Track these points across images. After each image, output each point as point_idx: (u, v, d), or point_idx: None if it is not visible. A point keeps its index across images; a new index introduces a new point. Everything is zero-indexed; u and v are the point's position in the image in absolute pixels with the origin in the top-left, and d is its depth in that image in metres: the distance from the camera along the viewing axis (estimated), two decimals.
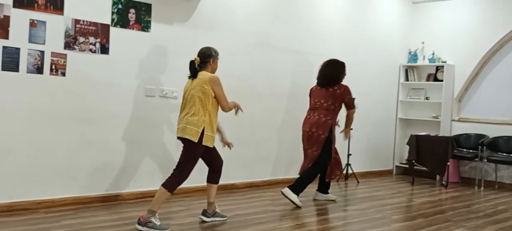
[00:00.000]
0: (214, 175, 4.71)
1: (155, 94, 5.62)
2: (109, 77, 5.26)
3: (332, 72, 5.82)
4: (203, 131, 4.37)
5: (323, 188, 6.04)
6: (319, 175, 5.98)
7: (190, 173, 4.43)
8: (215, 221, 4.70)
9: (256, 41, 6.60)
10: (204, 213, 4.73)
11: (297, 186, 5.64)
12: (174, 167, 4.45)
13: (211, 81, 4.42)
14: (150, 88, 5.59)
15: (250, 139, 6.64)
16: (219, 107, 4.54)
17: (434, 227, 4.93)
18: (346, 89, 5.81)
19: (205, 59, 4.54)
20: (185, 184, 5.86)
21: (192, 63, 4.54)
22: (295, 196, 5.57)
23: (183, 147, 4.46)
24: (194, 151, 4.40)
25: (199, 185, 5.84)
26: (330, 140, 5.73)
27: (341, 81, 5.84)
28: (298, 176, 5.82)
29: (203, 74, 4.47)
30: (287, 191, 5.58)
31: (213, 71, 4.57)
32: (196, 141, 4.35)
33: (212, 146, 4.52)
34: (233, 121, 6.39)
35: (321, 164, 5.78)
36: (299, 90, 6.85)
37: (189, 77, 4.56)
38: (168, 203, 5.29)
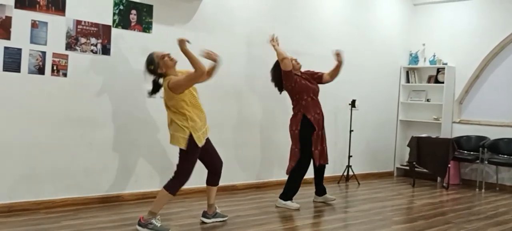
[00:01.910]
0: (213, 177, 4.69)
1: (155, 95, 5.61)
2: (110, 78, 5.27)
3: (274, 76, 5.74)
4: (190, 134, 4.29)
5: (320, 190, 6.00)
6: (314, 177, 5.94)
7: (189, 174, 4.40)
8: (216, 222, 4.70)
9: (256, 42, 6.60)
10: (205, 214, 4.73)
11: (287, 192, 5.63)
12: (174, 169, 4.45)
13: (172, 88, 4.25)
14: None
15: (250, 140, 6.65)
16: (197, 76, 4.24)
17: (434, 229, 4.93)
18: (283, 75, 5.61)
19: (155, 68, 4.34)
20: (185, 185, 5.87)
21: (156, 83, 4.42)
22: (289, 201, 5.57)
23: (179, 151, 4.43)
24: (188, 154, 4.35)
25: (199, 186, 5.83)
26: (304, 132, 5.58)
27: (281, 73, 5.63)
28: (287, 176, 5.76)
29: (163, 85, 4.33)
30: (279, 202, 5.60)
31: (170, 71, 4.37)
32: (185, 148, 4.30)
33: (203, 143, 4.40)
34: (233, 122, 6.41)
35: (304, 161, 5.65)
36: None
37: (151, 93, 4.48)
38: (169, 204, 5.29)
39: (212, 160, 4.63)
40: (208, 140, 4.55)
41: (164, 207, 4.75)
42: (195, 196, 5.80)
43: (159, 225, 4.27)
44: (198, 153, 4.42)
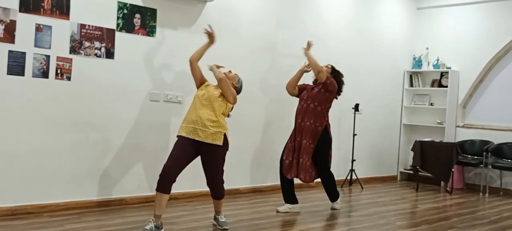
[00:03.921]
0: (210, 189, 4.63)
1: (159, 99, 5.63)
2: (114, 82, 5.28)
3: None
4: (225, 134, 4.57)
5: (329, 197, 5.94)
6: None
7: (164, 164, 4.32)
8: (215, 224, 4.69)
9: (260, 46, 6.61)
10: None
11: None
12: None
13: (234, 98, 4.67)
14: (154, 93, 5.60)
15: (254, 144, 6.64)
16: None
17: None
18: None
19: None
20: (189, 189, 5.88)
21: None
22: (287, 205, 5.61)
23: (213, 158, 4.54)
24: (225, 152, 4.59)
25: (202, 190, 5.84)
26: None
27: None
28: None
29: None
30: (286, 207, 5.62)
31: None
32: (221, 144, 4.50)
33: (179, 136, 4.44)
34: (237, 126, 6.41)
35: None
36: None
37: None
38: (172, 207, 5.29)
39: (206, 171, 4.56)
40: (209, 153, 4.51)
41: (167, 210, 4.77)
42: (198, 200, 5.81)
43: (150, 226, 4.24)
44: (179, 145, 4.42)
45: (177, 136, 4.48)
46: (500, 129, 7.99)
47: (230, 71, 4.77)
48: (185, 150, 4.38)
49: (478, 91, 8.37)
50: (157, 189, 4.25)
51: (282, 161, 5.65)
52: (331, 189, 5.80)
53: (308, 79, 5.97)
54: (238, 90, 4.77)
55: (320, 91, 5.55)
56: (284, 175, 5.61)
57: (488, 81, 8.27)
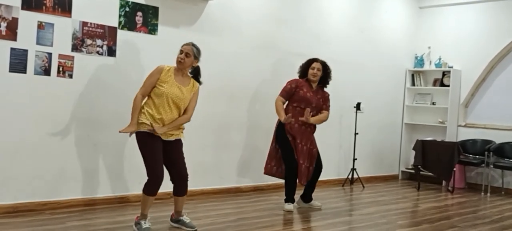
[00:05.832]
0: (178, 185, 4.46)
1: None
2: (115, 79, 5.28)
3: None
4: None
5: (306, 197, 5.88)
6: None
7: (150, 169, 4.22)
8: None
9: (262, 44, 6.61)
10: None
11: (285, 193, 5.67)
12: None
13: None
14: None
15: (255, 142, 6.64)
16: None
17: None
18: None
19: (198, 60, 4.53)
20: (190, 187, 5.87)
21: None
22: (286, 204, 5.60)
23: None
24: (137, 143, 4.31)
25: (204, 188, 5.85)
26: (277, 135, 5.68)
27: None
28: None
29: (195, 88, 4.48)
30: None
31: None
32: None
33: (139, 130, 4.26)
34: (238, 124, 6.42)
35: (286, 164, 5.66)
36: None
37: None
38: (172, 206, 5.29)
39: (171, 164, 4.43)
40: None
41: (170, 209, 4.78)
42: (199, 198, 5.81)
43: (147, 226, 4.25)
44: (144, 143, 4.30)
45: (146, 132, 4.25)
46: (502, 129, 7.98)
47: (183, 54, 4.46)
48: (160, 148, 4.28)
49: (480, 91, 8.36)
50: (149, 194, 4.22)
51: (297, 164, 5.52)
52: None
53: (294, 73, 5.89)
54: (198, 60, 4.50)
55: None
56: (297, 179, 5.58)
57: (490, 81, 8.26)
